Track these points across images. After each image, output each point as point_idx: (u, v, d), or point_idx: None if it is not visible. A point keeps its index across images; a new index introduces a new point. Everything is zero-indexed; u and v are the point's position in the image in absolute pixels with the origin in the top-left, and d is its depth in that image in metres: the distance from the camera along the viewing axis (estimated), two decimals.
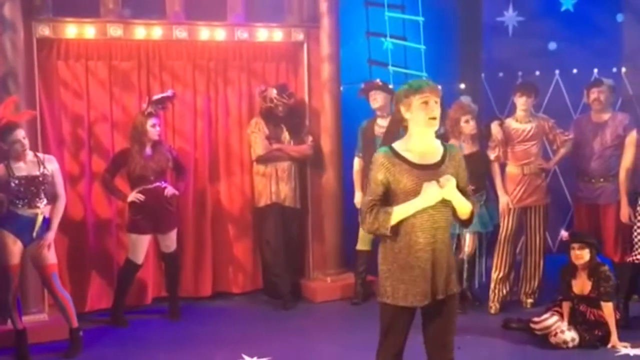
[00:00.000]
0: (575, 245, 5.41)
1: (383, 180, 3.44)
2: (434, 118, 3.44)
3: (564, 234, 5.51)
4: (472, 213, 3.57)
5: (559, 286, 5.58)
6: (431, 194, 3.34)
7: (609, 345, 5.28)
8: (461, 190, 3.49)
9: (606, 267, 5.44)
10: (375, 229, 3.45)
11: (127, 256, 6.08)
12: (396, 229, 3.43)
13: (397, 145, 3.52)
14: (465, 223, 3.63)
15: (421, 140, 3.50)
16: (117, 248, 6.33)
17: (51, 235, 5.26)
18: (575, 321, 5.40)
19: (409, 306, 3.51)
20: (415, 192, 3.39)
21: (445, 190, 3.35)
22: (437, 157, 3.50)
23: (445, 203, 3.45)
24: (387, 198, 3.46)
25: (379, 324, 3.64)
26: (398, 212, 3.40)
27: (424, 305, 3.51)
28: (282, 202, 6.55)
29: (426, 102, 3.42)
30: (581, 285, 5.42)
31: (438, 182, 3.35)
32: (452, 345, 3.65)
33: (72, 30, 5.99)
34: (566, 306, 5.47)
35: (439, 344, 3.62)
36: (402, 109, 3.50)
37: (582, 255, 5.37)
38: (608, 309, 5.33)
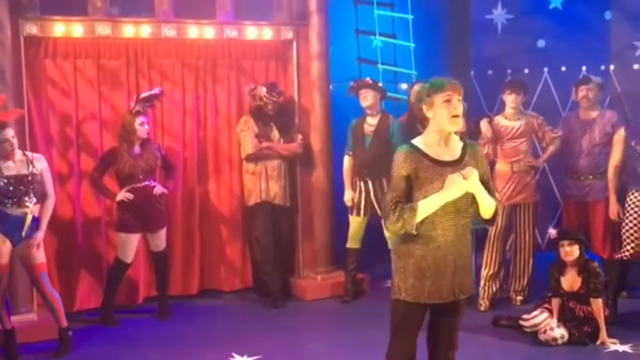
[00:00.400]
0: (565, 242, 5.43)
1: (407, 176, 3.42)
2: (457, 116, 3.43)
3: (552, 231, 5.54)
4: (495, 211, 3.51)
5: (548, 283, 5.60)
6: (455, 186, 3.31)
7: (598, 342, 5.31)
8: (484, 184, 3.47)
9: (595, 264, 5.47)
10: (400, 226, 3.39)
11: (116, 255, 6.06)
12: (416, 225, 3.41)
13: (418, 141, 3.52)
14: (489, 222, 3.57)
15: (441, 137, 3.48)
16: (107, 247, 6.31)
17: (40, 235, 5.23)
18: (564, 318, 5.43)
19: (422, 303, 3.49)
20: (436, 190, 3.36)
21: (469, 182, 3.32)
22: (457, 154, 3.50)
23: (467, 202, 3.44)
24: (410, 194, 3.43)
25: (388, 323, 3.62)
26: (423, 208, 3.36)
27: (438, 303, 3.50)
28: (272, 201, 6.54)
29: (449, 100, 3.42)
30: (570, 281, 5.45)
31: (462, 174, 3.32)
32: (456, 344, 3.66)
33: (60, 28, 5.95)
34: (556, 303, 5.49)
35: (445, 343, 3.63)
36: (425, 107, 3.49)
37: (571, 251, 5.40)
38: (597, 305, 5.35)
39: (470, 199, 3.46)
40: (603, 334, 5.33)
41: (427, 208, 3.37)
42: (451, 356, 3.65)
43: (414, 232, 3.40)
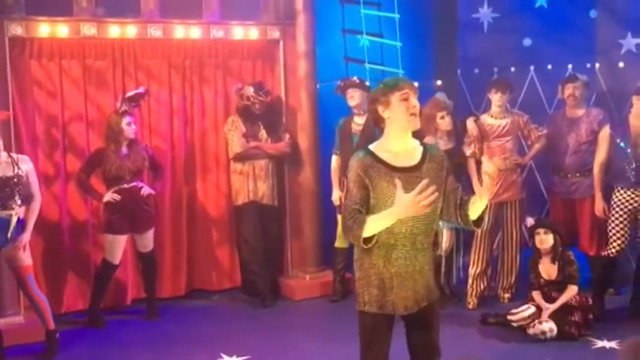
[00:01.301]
0: (541, 230, 5.57)
1: (361, 184, 3.28)
2: (415, 115, 3.32)
3: (529, 220, 5.58)
4: (483, 212, 3.37)
5: (528, 275, 5.72)
6: (403, 206, 3.09)
7: (537, 321, 5.38)
8: (452, 191, 3.39)
9: (570, 252, 5.62)
10: (350, 238, 3.29)
11: (103, 257, 6.03)
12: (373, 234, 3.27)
13: (375, 147, 3.38)
14: (478, 224, 3.42)
15: (400, 141, 3.36)
16: (94, 248, 6.29)
17: (26, 237, 5.20)
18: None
19: (388, 314, 3.40)
20: (393, 197, 3.16)
21: (419, 206, 3.06)
22: (416, 159, 3.37)
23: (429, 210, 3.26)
24: (368, 201, 3.29)
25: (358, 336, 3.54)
26: (371, 225, 3.21)
27: (406, 313, 3.42)
28: (260, 200, 6.54)
29: (406, 99, 3.32)
30: (548, 270, 5.57)
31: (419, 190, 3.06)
32: (439, 350, 3.56)
33: (45, 29, 5.92)
34: (537, 295, 5.58)
35: (426, 350, 3.54)
36: (380, 108, 3.36)
37: (546, 239, 5.54)
38: (571, 291, 5.47)
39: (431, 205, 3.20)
40: (550, 310, 5.41)
41: (375, 225, 3.22)
42: None
43: (364, 246, 3.28)
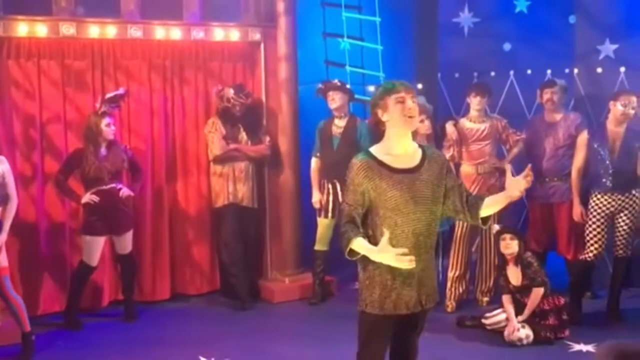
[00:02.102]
0: (507, 235, 5.60)
1: (362, 186, 3.36)
2: (412, 116, 3.40)
3: (495, 227, 5.61)
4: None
5: (497, 282, 5.79)
6: (384, 257, 3.25)
7: (506, 332, 5.40)
8: (455, 187, 3.48)
9: (528, 254, 5.64)
10: (341, 246, 3.40)
11: (81, 258, 5.98)
12: (376, 236, 3.35)
13: (375, 150, 3.47)
14: (485, 222, 3.54)
15: (399, 143, 3.44)
16: (71, 250, 6.23)
17: (2, 238, 5.14)
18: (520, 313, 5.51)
19: (390, 314, 3.44)
20: (394, 198, 3.32)
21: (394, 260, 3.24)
22: (416, 161, 3.44)
23: (429, 207, 3.39)
24: (368, 204, 3.39)
25: (356, 325, 3.57)
26: (356, 246, 3.33)
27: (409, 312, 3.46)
28: (240, 203, 6.52)
29: (402, 102, 3.38)
30: (514, 276, 5.59)
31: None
32: (417, 349, 3.67)
33: (24, 28, 5.87)
34: (506, 299, 5.59)
35: (407, 349, 3.62)
36: (379, 112, 3.44)
37: (512, 245, 5.57)
38: (535, 294, 5.48)
39: (432, 207, 3.41)
40: (522, 317, 5.44)
41: (359, 249, 3.33)
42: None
43: (348, 258, 3.38)
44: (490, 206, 3.48)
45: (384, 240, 3.22)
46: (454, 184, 3.52)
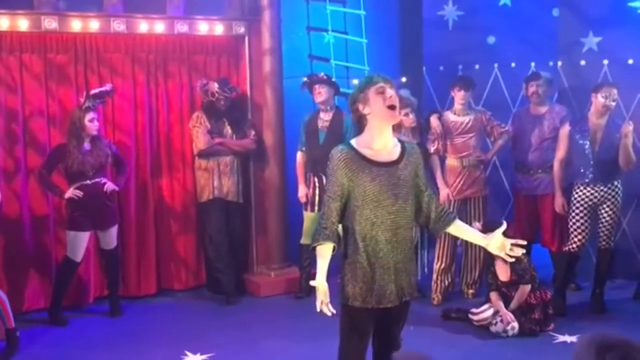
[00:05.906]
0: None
1: (342, 177, 3.38)
2: (393, 107, 3.39)
3: (476, 224, 5.61)
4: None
5: (486, 278, 5.79)
6: (318, 292, 3.40)
7: (507, 320, 5.40)
8: (422, 187, 3.52)
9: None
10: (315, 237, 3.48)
11: (65, 254, 5.95)
12: (355, 229, 3.40)
13: (355, 142, 3.47)
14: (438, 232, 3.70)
15: (381, 137, 3.44)
16: (55, 245, 6.19)
17: None
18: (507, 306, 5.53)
19: (371, 307, 3.45)
20: (373, 191, 3.35)
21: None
22: (395, 155, 3.46)
23: (406, 200, 3.42)
24: (347, 195, 3.41)
25: (338, 328, 3.58)
26: (319, 253, 3.44)
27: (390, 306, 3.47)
28: (225, 197, 6.50)
29: (382, 92, 3.38)
30: (503, 271, 5.58)
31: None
32: (399, 343, 3.71)
33: (5, 22, 5.81)
34: (494, 297, 5.60)
35: (388, 341, 3.64)
36: (360, 106, 3.43)
37: None
38: (521, 291, 5.49)
39: (409, 200, 3.46)
40: (509, 309, 5.46)
41: (319, 257, 3.45)
42: (398, 349, 3.68)
43: (312, 250, 3.50)
44: (461, 231, 3.64)
45: (322, 278, 3.39)
46: (421, 189, 3.54)
